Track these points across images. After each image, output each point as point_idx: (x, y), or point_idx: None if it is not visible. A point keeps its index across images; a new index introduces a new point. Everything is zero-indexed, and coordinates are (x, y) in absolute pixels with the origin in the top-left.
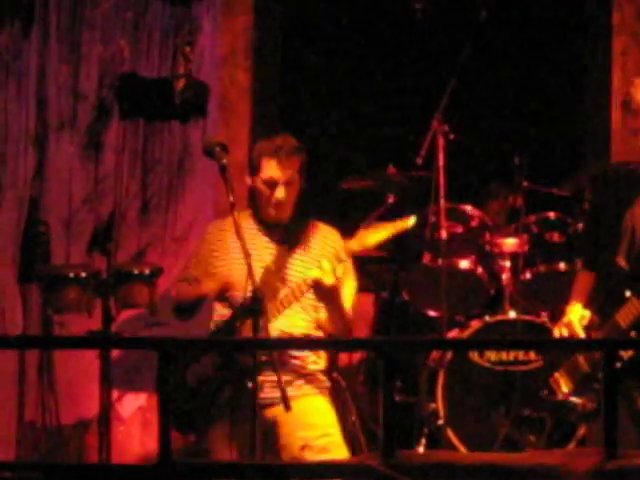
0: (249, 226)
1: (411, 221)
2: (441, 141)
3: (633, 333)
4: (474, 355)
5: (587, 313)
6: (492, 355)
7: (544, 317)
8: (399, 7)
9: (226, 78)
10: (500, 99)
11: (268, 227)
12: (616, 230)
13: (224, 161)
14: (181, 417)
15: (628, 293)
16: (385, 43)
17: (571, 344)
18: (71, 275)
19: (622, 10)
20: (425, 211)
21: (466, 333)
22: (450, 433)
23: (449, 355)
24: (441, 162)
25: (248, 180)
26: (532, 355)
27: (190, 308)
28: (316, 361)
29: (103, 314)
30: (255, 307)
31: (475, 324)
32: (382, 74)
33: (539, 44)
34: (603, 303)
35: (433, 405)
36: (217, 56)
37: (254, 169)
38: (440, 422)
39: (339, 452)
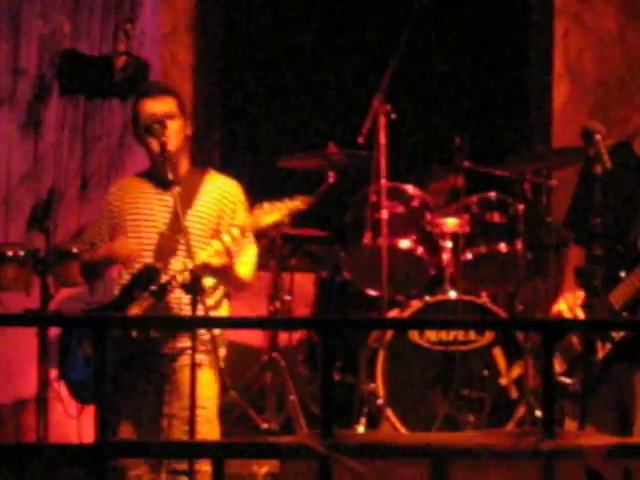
0: (144, 188)
1: (302, 201)
2: (382, 120)
3: (625, 314)
4: (414, 335)
5: (581, 293)
6: (432, 335)
7: (484, 297)
8: None
9: (167, 56)
10: (442, 78)
11: (164, 184)
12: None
13: (163, 139)
14: (79, 387)
15: (622, 274)
16: (329, 21)
17: (509, 324)
18: (9, 253)
19: None
20: (366, 190)
21: (406, 313)
22: (390, 413)
23: (389, 335)
24: (382, 141)
25: (137, 139)
26: (472, 335)
27: (93, 271)
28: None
29: (41, 292)
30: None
31: (416, 304)
32: (325, 52)
33: (481, 23)
34: (596, 282)
35: (373, 385)
36: (158, 34)
37: (136, 122)
38: (380, 402)
39: (207, 427)
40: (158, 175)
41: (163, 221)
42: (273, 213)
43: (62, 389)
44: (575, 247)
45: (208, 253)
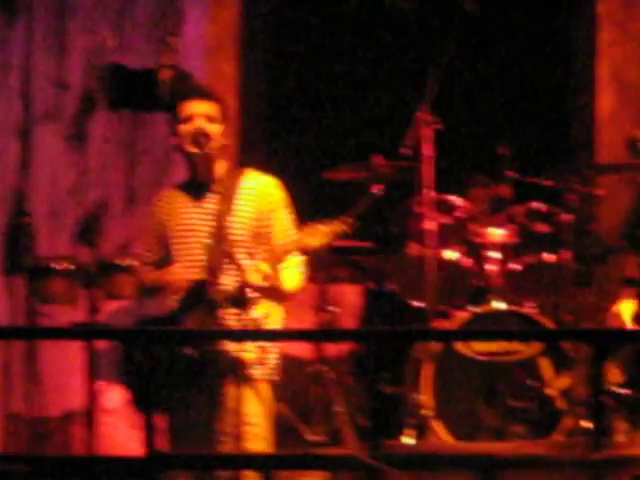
0: (185, 198)
1: (347, 225)
2: (427, 131)
3: None
4: (460, 346)
5: (634, 304)
6: (479, 346)
7: (530, 308)
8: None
9: (212, 69)
10: (486, 88)
11: (203, 192)
12: None
13: (207, 150)
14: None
15: None
16: (373, 34)
17: (558, 334)
18: (56, 267)
19: (608, 0)
20: (411, 201)
21: (453, 324)
22: (436, 424)
23: (435, 346)
24: (427, 152)
25: (173, 140)
26: (519, 346)
27: (157, 290)
28: (252, 350)
29: (88, 305)
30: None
31: (462, 315)
32: (370, 65)
33: (525, 33)
34: None
35: (419, 396)
36: (203, 47)
37: (174, 121)
38: (427, 413)
39: (258, 445)
40: (197, 183)
41: (205, 230)
42: (319, 236)
43: (109, 401)
44: (631, 258)
45: (257, 275)
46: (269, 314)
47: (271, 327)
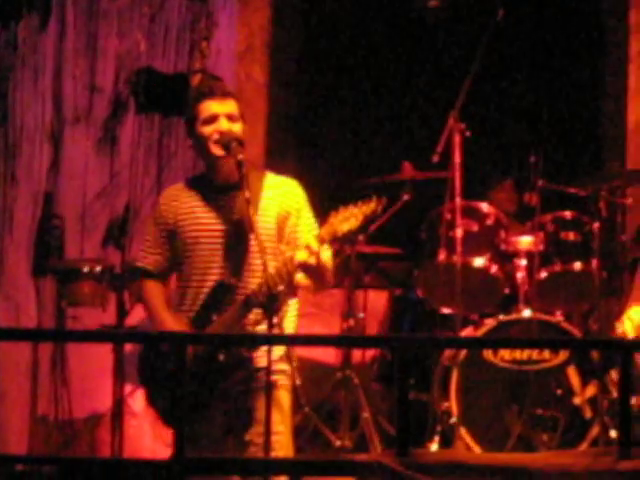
0: (199, 194)
1: (376, 204)
2: (457, 139)
3: None
4: (488, 353)
5: None
6: (506, 354)
7: (559, 316)
8: (417, 8)
9: (242, 74)
10: (516, 97)
11: (220, 189)
12: None
13: (240, 156)
14: (164, 409)
15: None
16: (403, 41)
17: (586, 343)
18: (85, 269)
19: (639, 9)
20: (440, 208)
21: (480, 331)
22: (463, 431)
23: (463, 353)
24: (457, 160)
25: (190, 141)
26: (546, 354)
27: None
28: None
29: (117, 308)
30: (270, 305)
31: (489, 322)
32: (400, 71)
33: (556, 42)
34: None
35: (446, 403)
36: (233, 52)
37: (192, 121)
38: (453, 420)
39: (282, 452)
40: (214, 180)
41: (223, 230)
42: (350, 219)
43: (136, 405)
44: None
45: (305, 253)
46: (284, 316)
47: (286, 329)
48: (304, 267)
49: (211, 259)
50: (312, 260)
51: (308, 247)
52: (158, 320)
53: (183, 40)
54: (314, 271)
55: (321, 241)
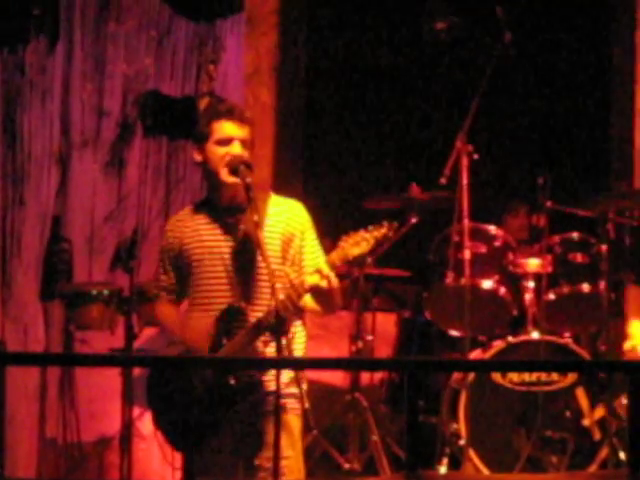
0: (204, 219)
1: (388, 228)
2: (465, 161)
3: None
4: (496, 375)
5: None
6: (515, 376)
7: (567, 338)
8: (425, 29)
9: (250, 97)
10: (524, 118)
11: (224, 212)
12: None
13: (249, 180)
14: (173, 433)
15: None
16: (411, 63)
17: (593, 366)
18: (93, 292)
19: None
20: (448, 230)
21: (489, 353)
22: (472, 453)
23: (471, 375)
24: (465, 182)
25: (197, 157)
26: (555, 376)
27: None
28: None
29: (125, 332)
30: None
31: (498, 344)
32: (407, 93)
33: (564, 63)
34: None
35: (455, 425)
36: (241, 75)
37: (203, 137)
38: (462, 442)
39: (292, 477)
40: (219, 202)
41: (227, 249)
42: (361, 243)
43: (145, 428)
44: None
45: (317, 277)
46: (294, 335)
47: (296, 352)
48: (315, 291)
49: (216, 281)
50: (324, 284)
51: (320, 271)
52: (179, 336)
53: (190, 63)
54: (324, 295)
55: (332, 265)
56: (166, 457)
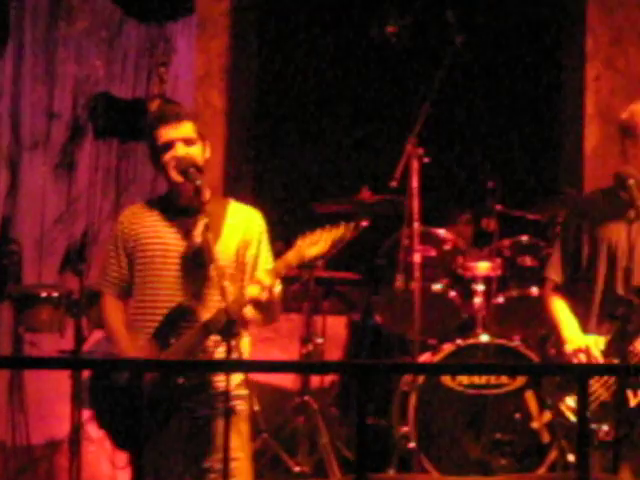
0: (159, 216)
1: (346, 229)
2: (415, 164)
3: None
4: (446, 378)
5: (601, 338)
6: (464, 379)
7: (516, 341)
8: (375, 33)
9: (200, 99)
10: (475, 122)
11: (180, 212)
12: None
13: (198, 182)
14: (118, 434)
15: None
16: (362, 66)
17: (543, 369)
18: (43, 295)
19: (595, 36)
20: (398, 234)
21: (438, 357)
22: (422, 456)
23: (421, 378)
24: (415, 185)
25: (154, 165)
26: (504, 379)
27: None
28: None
29: (75, 334)
30: (228, 330)
31: (447, 347)
32: (359, 96)
33: (513, 68)
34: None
35: (405, 428)
36: (192, 77)
37: (151, 147)
38: (412, 445)
39: (242, 479)
40: (175, 203)
41: (180, 252)
42: (318, 244)
43: (94, 431)
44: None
45: (257, 288)
46: (240, 341)
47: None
48: (255, 302)
49: (166, 279)
50: (263, 295)
51: (259, 282)
52: (117, 345)
53: (141, 65)
54: (264, 306)
55: (287, 266)
56: (116, 459)
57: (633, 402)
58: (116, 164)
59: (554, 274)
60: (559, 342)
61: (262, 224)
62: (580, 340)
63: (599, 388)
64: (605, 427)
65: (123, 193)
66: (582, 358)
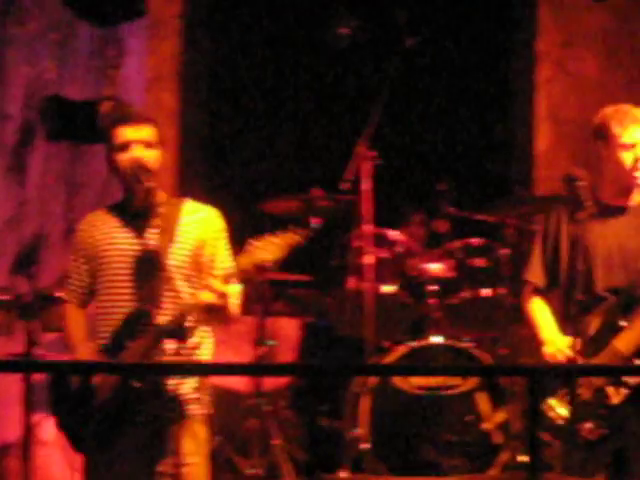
0: (117, 221)
1: (300, 235)
2: (366, 166)
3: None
4: (398, 380)
5: (568, 338)
6: (416, 380)
7: (468, 342)
8: (326, 33)
9: (152, 101)
10: (426, 124)
11: (137, 216)
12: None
13: (149, 184)
14: (75, 436)
15: (623, 322)
16: (315, 67)
17: (495, 370)
18: None
19: (546, 38)
20: (350, 235)
21: (391, 358)
22: (373, 458)
23: (373, 380)
24: (366, 187)
25: (109, 164)
26: (456, 380)
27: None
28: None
29: (26, 337)
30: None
31: (400, 349)
32: (312, 97)
33: (464, 69)
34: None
35: (357, 430)
36: (143, 79)
37: (108, 146)
38: (364, 446)
39: None
40: (133, 209)
41: (135, 252)
42: (270, 249)
43: (45, 434)
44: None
45: (209, 294)
46: (200, 344)
47: (203, 358)
48: (208, 308)
49: (122, 284)
50: (216, 301)
51: (210, 288)
52: (76, 354)
53: (92, 67)
54: (217, 311)
55: (239, 270)
56: (68, 462)
57: (615, 400)
58: (67, 166)
59: (534, 277)
60: (539, 343)
61: (220, 222)
62: (559, 341)
63: (581, 387)
64: (588, 425)
65: (75, 196)
66: (560, 359)
